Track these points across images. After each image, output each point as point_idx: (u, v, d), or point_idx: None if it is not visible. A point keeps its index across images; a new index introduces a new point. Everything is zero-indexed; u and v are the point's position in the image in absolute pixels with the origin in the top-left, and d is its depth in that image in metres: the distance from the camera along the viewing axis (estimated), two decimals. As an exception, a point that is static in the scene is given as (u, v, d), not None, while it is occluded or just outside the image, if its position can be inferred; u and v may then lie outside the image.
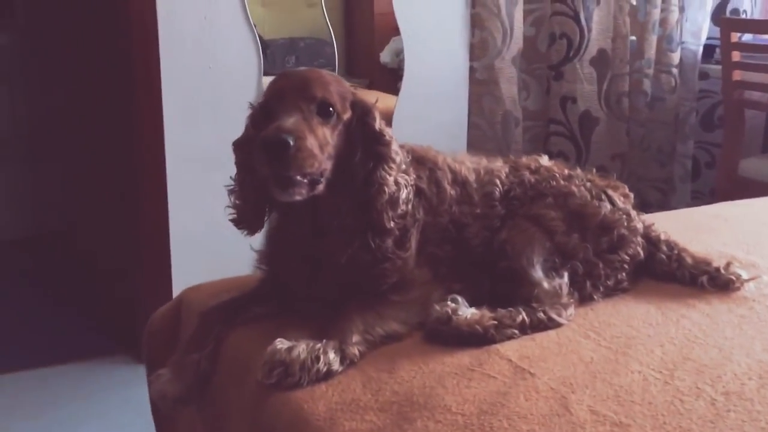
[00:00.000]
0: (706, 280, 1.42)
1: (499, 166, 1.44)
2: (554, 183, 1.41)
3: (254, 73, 2.61)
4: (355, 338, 1.18)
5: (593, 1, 3.06)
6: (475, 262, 1.34)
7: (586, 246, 1.37)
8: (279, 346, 1.13)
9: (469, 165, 1.41)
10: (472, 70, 2.98)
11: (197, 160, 2.52)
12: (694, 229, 1.77)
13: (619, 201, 1.45)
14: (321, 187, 1.18)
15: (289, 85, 1.21)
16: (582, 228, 1.38)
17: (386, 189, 1.21)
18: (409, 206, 1.25)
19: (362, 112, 1.25)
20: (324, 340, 1.15)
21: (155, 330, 1.53)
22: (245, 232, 1.31)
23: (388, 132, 1.26)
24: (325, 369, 1.11)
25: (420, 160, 1.35)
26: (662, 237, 1.50)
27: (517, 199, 1.39)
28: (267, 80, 2.64)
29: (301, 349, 1.12)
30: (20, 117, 3.53)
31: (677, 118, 3.36)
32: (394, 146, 1.26)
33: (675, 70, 3.29)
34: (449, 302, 1.24)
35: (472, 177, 1.38)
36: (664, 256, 1.47)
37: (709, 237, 1.71)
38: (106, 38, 2.55)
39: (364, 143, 1.24)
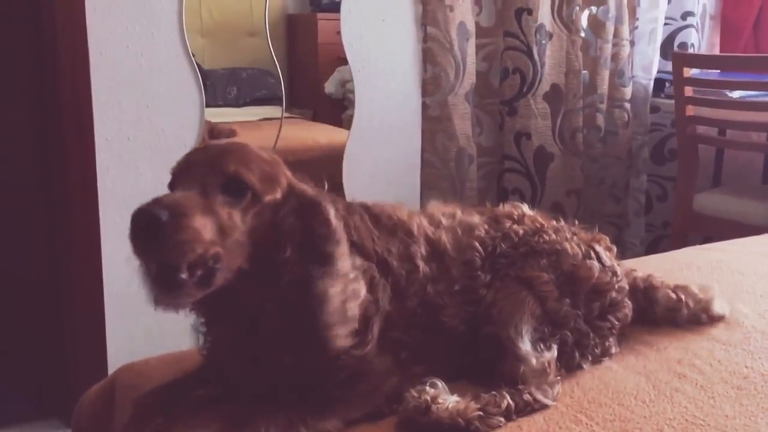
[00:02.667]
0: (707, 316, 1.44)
1: (477, 221, 1.29)
2: (546, 237, 1.29)
3: (196, 108, 2.45)
4: None
5: (545, 35, 3.00)
6: (452, 339, 1.20)
7: (578, 313, 1.25)
8: None
9: (446, 224, 1.26)
10: (424, 106, 2.88)
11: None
12: (668, 279, 1.67)
13: (606, 257, 1.35)
14: (218, 281, 0.98)
15: (200, 158, 1.03)
16: (574, 292, 1.26)
17: (329, 306, 1.02)
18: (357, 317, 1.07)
19: (306, 207, 1.06)
20: None
21: (85, 415, 1.35)
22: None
23: (340, 232, 1.06)
24: None
25: (392, 230, 1.19)
26: (652, 278, 1.45)
27: (505, 257, 1.25)
28: (209, 112, 2.50)
29: None
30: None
31: (630, 152, 3.33)
32: (343, 248, 1.06)
33: (627, 105, 3.26)
34: (428, 387, 1.09)
35: (450, 244, 1.23)
36: (671, 291, 1.43)
37: (686, 290, 1.62)
38: (31, 77, 2.35)
39: (301, 241, 1.04)
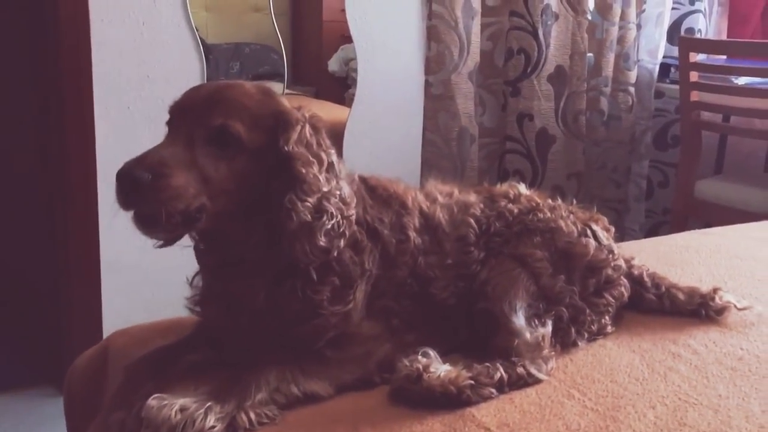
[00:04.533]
0: (704, 312, 1.37)
1: (473, 200, 1.30)
2: (540, 215, 1.28)
3: (197, 80, 2.43)
4: (260, 396, 1.03)
5: (552, 16, 2.97)
6: (443, 313, 1.20)
7: (573, 290, 1.25)
8: (152, 404, 0.99)
9: (441, 201, 1.27)
10: (427, 84, 2.86)
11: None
12: (665, 262, 1.67)
13: (603, 236, 1.34)
14: (200, 225, 1.03)
15: (189, 103, 1.07)
16: (569, 269, 1.26)
17: (294, 215, 1.04)
18: (340, 242, 1.08)
19: (281, 126, 1.08)
20: (210, 402, 1.00)
21: (77, 379, 1.35)
22: (156, 245, 1.15)
23: (304, 153, 1.07)
24: None
25: (386, 201, 1.20)
26: (645, 274, 1.41)
27: (499, 235, 1.26)
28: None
29: (176, 409, 0.98)
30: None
31: (633, 137, 3.31)
32: (313, 169, 1.07)
33: (632, 89, 3.23)
34: (420, 356, 1.10)
35: (445, 219, 1.24)
36: (653, 297, 1.39)
37: (683, 272, 1.62)
38: (31, 43, 2.34)
39: (280, 167, 1.07)
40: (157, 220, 0.98)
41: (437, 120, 2.89)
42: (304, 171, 1.06)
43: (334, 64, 3.07)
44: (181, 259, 2.48)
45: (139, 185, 0.95)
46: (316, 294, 1.09)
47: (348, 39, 2.77)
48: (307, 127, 1.10)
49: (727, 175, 3.19)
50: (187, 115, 1.05)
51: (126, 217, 2.39)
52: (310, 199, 1.05)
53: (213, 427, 0.97)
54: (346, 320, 1.11)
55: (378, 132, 2.81)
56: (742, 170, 3.32)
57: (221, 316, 1.13)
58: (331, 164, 1.11)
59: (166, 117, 2.45)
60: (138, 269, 2.37)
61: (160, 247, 1.15)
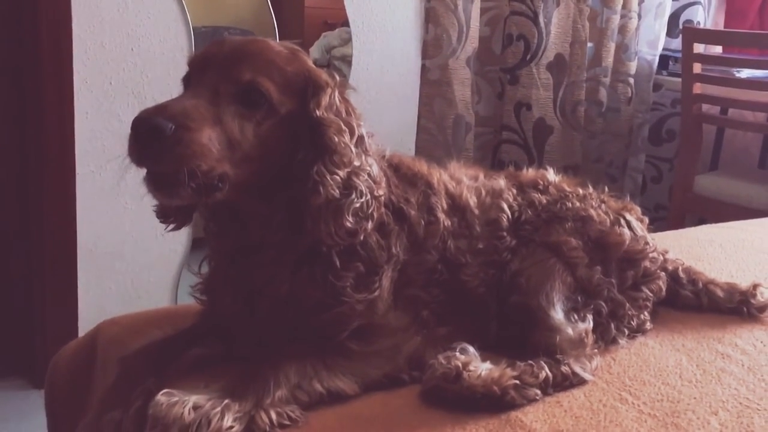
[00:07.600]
0: (746, 310, 1.28)
1: (503, 185, 1.19)
2: (569, 205, 1.18)
3: (184, 55, 2.28)
4: (280, 394, 0.91)
5: (553, 1, 2.87)
6: (473, 304, 1.09)
7: (611, 282, 1.15)
8: (161, 400, 0.87)
9: (468, 183, 1.16)
10: (424, 69, 2.74)
11: (113, 159, 2.17)
12: (690, 256, 1.57)
13: (637, 226, 1.24)
14: (220, 195, 0.91)
15: (216, 56, 0.94)
16: (604, 260, 1.16)
17: (321, 189, 0.93)
18: (368, 224, 0.97)
19: (312, 94, 0.96)
20: (227, 400, 0.87)
21: (62, 372, 1.21)
22: (167, 227, 1.04)
23: (336, 120, 0.96)
24: None
25: (411, 180, 1.09)
26: (680, 269, 1.31)
27: (529, 224, 1.15)
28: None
29: (189, 407, 0.86)
30: None
31: (630, 130, 3.23)
32: (345, 139, 0.96)
33: (631, 80, 3.15)
34: (457, 353, 0.98)
35: (473, 201, 1.13)
36: (690, 293, 1.29)
37: (711, 267, 1.53)
38: (6, 12, 2.17)
39: (309, 135, 0.96)
40: (176, 180, 0.85)
41: (433, 106, 2.78)
42: (336, 140, 0.94)
43: (315, 52, 2.96)
44: (162, 246, 2.33)
45: (160, 137, 0.82)
46: (338, 280, 0.97)
47: (330, 26, 2.66)
48: (337, 93, 0.98)
49: (727, 171, 3.12)
50: (212, 68, 0.92)
51: (108, 195, 2.19)
52: (339, 172, 0.94)
53: (231, 427, 0.86)
54: (371, 309, 1.00)
55: (371, 117, 2.63)
56: (738, 166, 3.26)
57: (237, 306, 1.00)
58: (361, 137, 1.00)
59: (150, 92, 2.30)
60: (117, 256, 2.22)
61: (172, 230, 1.02)
